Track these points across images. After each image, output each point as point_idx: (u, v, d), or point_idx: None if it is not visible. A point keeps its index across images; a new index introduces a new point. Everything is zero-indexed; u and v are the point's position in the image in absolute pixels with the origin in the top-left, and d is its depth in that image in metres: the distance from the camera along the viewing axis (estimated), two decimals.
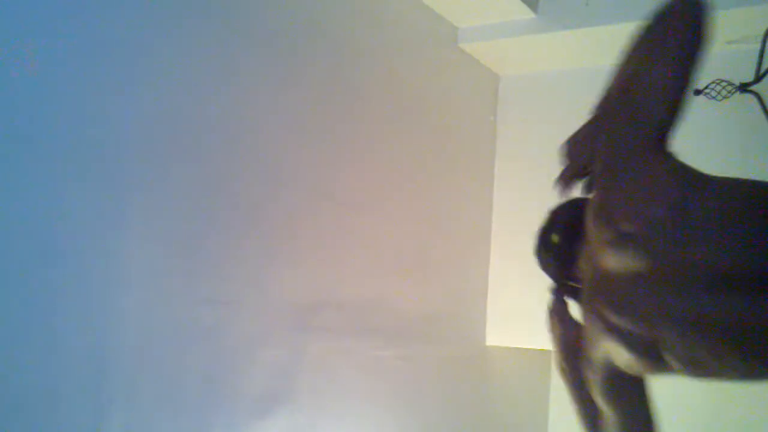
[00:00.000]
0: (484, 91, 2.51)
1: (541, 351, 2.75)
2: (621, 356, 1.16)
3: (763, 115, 2.02)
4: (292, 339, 1.66)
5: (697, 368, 1.12)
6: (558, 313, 1.41)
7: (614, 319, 1.16)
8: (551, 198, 2.61)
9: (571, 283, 1.34)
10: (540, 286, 2.35)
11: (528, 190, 2.45)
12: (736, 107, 2.01)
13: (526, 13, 2.18)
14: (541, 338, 2.40)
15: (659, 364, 1.14)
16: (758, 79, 2.02)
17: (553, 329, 1.43)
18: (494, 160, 2.53)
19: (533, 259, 1.42)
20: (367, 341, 1.90)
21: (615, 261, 1.15)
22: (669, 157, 1.16)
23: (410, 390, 2.07)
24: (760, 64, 2.00)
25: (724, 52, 2.16)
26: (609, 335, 1.17)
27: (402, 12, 2.08)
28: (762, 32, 1.99)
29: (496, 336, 2.44)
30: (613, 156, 1.21)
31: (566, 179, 1.39)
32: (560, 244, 1.33)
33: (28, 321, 1.15)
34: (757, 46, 2.01)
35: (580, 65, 2.40)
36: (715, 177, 1.13)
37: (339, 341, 1.80)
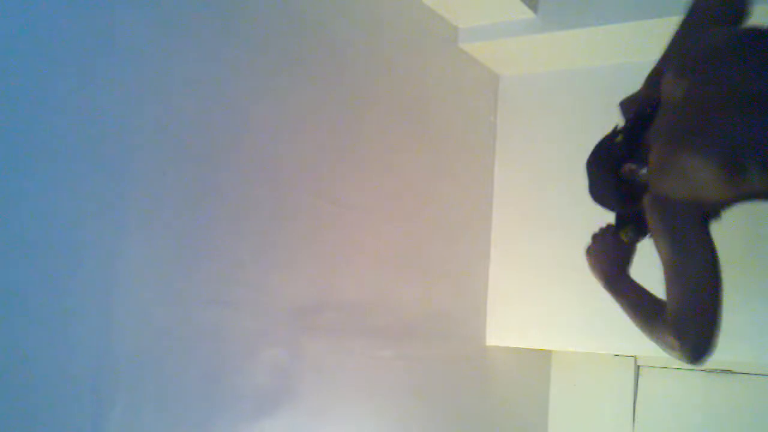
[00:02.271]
0: (484, 91, 2.51)
1: (541, 351, 2.75)
2: (703, 174, 1.28)
3: None
4: (292, 339, 1.66)
5: None
6: (603, 232, 1.61)
7: (697, 141, 1.31)
8: (551, 197, 2.61)
9: (628, 166, 1.46)
10: (540, 286, 2.36)
11: (528, 189, 2.45)
12: None
13: (526, 13, 2.18)
14: (541, 338, 2.41)
15: (740, 175, 1.26)
16: None
17: (597, 244, 1.62)
18: (494, 160, 2.52)
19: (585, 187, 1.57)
20: (367, 341, 1.90)
21: (686, 89, 1.36)
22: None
23: (410, 390, 2.07)
24: None
25: None
26: (692, 155, 1.30)
27: (402, 12, 2.08)
28: None
29: (496, 336, 2.44)
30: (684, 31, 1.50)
31: (629, 104, 1.59)
32: (622, 142, 1.50)
33: (27, 321, 1.15)
34: None
35: (580, 65, 2.40)
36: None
37: (339, 341, 1.80)
